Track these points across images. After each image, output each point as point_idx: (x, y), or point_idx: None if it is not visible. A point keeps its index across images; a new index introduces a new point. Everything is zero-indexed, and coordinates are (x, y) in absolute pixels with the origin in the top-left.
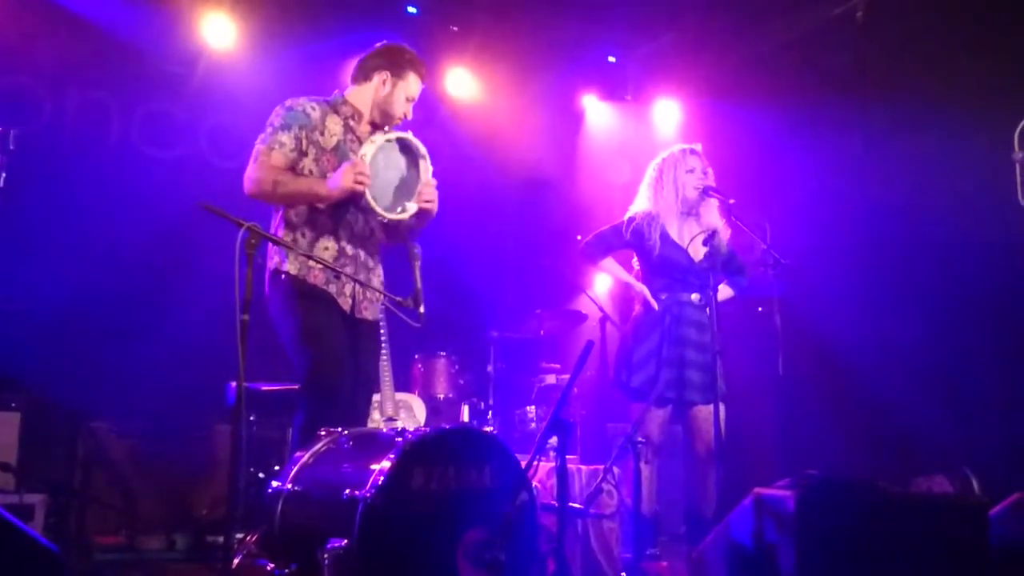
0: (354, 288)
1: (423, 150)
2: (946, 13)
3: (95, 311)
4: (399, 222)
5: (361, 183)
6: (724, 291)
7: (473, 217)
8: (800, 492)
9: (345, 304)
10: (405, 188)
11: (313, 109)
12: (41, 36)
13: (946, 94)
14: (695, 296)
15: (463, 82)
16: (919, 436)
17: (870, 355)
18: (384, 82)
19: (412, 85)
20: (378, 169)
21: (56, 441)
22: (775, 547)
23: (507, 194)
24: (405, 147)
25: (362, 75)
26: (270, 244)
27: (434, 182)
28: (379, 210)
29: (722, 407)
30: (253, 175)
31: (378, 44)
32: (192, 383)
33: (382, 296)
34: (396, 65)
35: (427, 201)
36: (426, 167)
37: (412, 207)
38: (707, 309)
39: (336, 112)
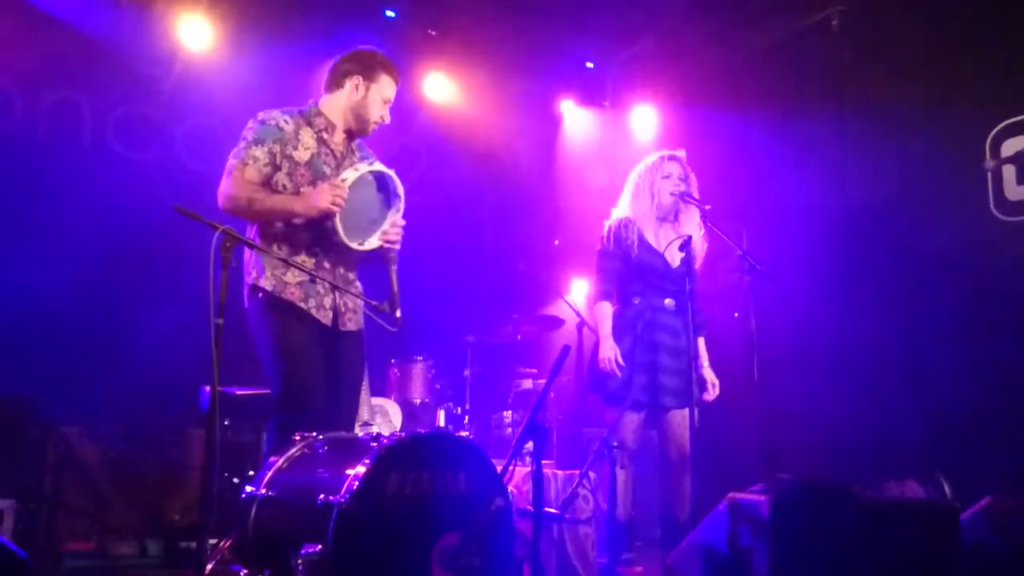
0: (334, 300)
1: (400, 191)
2: (920, 22)
3: (67, 313)
4: (366, 252)
5: (337, 204)
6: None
7: (451, 221)
8: (774, 497)
9: (325, 318)
10: (371, 223)
11: (286, 122)
12: (13, 36)
13: (920, 102)
14: (669, 301)
15: (441, 86)
16: (892, 441)
17: (844, 360)
18: (356, 87)
19: (386, 87)
20: (353, 196)
21: (26, 445)
22: (749, 551)
23: (485, 199)
24: (383, 184)
25: (334, 82)
26: (248, 258)
27: (402, 223)
28: (342, 236)
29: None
30: (228, 191)
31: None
32: (165, 387)
33: (362, 305)
34: (367, 68)
35: (390, 242)
36: (399, 207)
37: (374, 242)
38: (683, 314)
39: (310, 124)
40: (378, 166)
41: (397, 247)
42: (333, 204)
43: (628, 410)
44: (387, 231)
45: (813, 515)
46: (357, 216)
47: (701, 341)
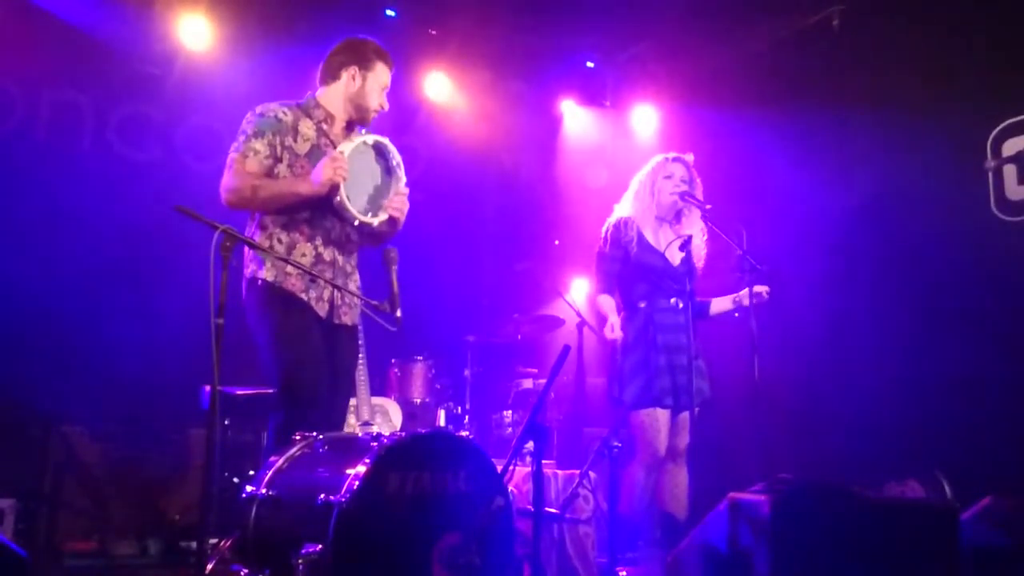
0: (332, 293)
1: (398, 157)
2: (921, 22)
3: (68, 313)
4: (370, 226)
5: (340, 176)
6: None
7: (451, 221)
8: (774, 497)
9: (322, 310)
10: (377, 193)
11: (285, 114)
12: (13, 36)
13: (920, 102)
14: (674, 300)
15: (441, 86)
16: (892, 441)
17: (845, 360)
18: (353, 77)
19: (382, 74)
20: (354, 170)
21: (26, 445)
22: (750, 551)
23: (485, 198)
24: (380, 152)
25: (329, 74)
26: (247, 252)
27: (406, 191)
28: (353, 211)
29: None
30: (230, 184)
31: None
32: (166, 387)
33: (360, 300)
34: (362, 57)
35: (396, 209)
36: (400, 175)
37: (383, 214)
38: (686, 313)
39: (308, 116)
40: (373, 136)
41: (402, 216)
42: (336, 175)
43: (658, 413)
44: (392, 200)
45: (813, 515)
46: (362, 189)
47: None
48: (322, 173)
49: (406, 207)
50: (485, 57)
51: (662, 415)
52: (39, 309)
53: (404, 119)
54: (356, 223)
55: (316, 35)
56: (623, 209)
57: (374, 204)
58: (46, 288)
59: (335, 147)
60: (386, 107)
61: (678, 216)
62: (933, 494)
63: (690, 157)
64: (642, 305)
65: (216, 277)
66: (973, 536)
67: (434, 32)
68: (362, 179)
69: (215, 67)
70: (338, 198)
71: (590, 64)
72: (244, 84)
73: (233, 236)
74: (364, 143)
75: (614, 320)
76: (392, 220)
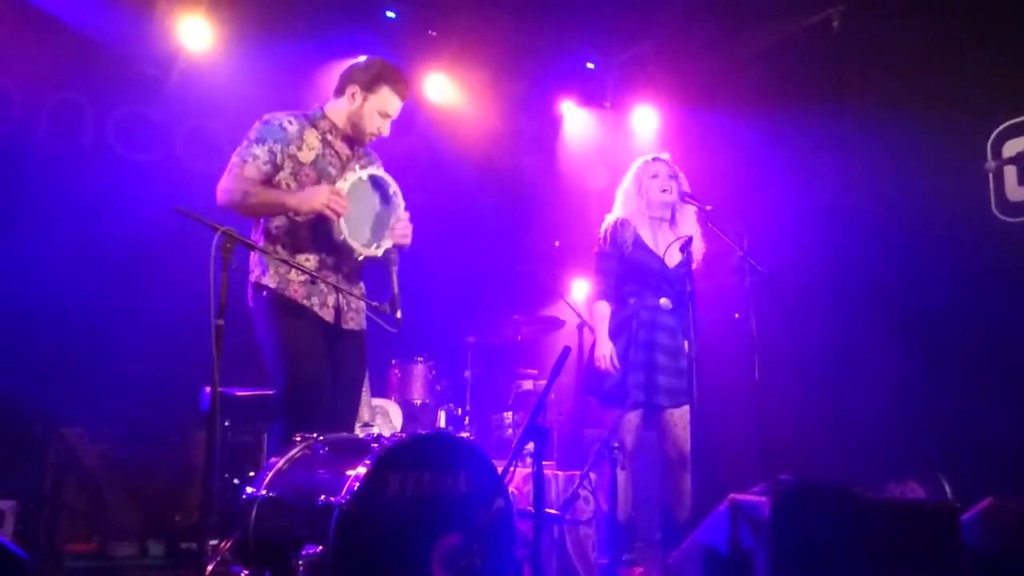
0: (337, 299)
1: (394, 185)
2: (921, 23)
3: (68, 314)
4: (375, 258)
5: (335, 211)
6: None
7: (451, 222)
8: (774, 498)
9: (328, 315)
10: (379, 223)
11: (290, 123)
12: (13, 36)
13: (921, 103)
14: (664, 301)
15: (441, 87)
16: (892, 442)
17: (844, 361)
18: (354, 96)
19: (385, 100)
20: (352, 204)
21: (26, 446)
22: (750, 553)
23: (485, 199)
24: (377, 184)
25: (338, 88)
26: (253, 257)
27: (407, 216)
28: (356, 247)
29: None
30: (224, 185)
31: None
32: (166, 388)
33: (364, 305)
34: (367, 80)
35: (402, 236)
36: (398, 203)
37: (387, 243)
38: (681, 313)
39: (314, 126)
40: (370, 170)
41: (407, 242)
42: (329, 208)
43: (626, 410)
44: (395, 227)
45: (814, 516)
46: (363, 222)
47: None
48: (316, 200)
49: (409, 231)
50: (485, 58)
51: (632, 412)
52: (39, 310)
53: (404, 121)
54: (360, 258)
55: (315, 37)
56: (616, 210)
57: (376, 235)
58: (46, 289)
59: (340, 158)
60: (385, 133)
61: (673, 216)
62: (933, 494)
63: (666, 155)
64: (631, 301)
65: (216, 278)
66: (973, 537)
67: (434, 33)
68: (362, 211)
69: (215, 68)
70: (341, 236)
71: (590, 65)
72: (244, 85)
73: (233, 237)
74: (360, 179)
75: (606, 350)
76: (397, 247)
